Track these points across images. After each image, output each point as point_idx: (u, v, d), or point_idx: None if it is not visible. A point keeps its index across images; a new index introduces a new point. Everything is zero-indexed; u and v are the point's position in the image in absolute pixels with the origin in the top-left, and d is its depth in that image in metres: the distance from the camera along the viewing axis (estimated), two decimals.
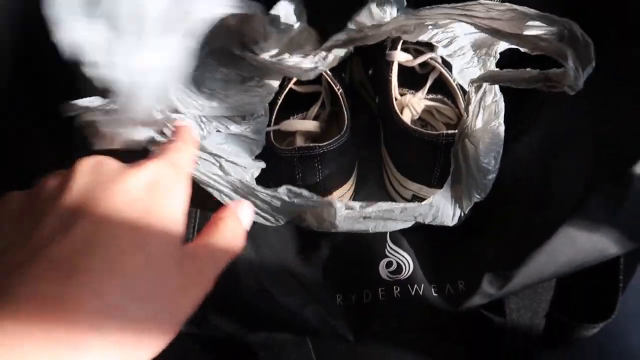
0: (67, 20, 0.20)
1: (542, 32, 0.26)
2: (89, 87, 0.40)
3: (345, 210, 0.34)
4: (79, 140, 0.39)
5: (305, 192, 0.34)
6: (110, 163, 0.22)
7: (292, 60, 0.34)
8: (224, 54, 0.36)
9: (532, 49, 0.26)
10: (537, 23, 0.26)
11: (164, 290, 0.20)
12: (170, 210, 0.22)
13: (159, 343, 0.20)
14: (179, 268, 0.21)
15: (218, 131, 0.34)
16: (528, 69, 0.27)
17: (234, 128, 0.35)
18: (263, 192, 0.34)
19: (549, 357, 0.42)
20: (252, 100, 0.36)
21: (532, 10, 0.26)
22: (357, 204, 0.34)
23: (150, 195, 0.21)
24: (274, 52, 0.35)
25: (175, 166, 0.23)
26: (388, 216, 0.35)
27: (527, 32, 0.26)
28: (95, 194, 0.20)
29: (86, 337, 0.18)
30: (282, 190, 0.34)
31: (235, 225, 0.25)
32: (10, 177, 0.43)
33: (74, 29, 0.20)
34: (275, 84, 0.37)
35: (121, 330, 0.18)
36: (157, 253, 0.20)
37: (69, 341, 0.17)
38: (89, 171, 0.21)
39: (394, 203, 0.34)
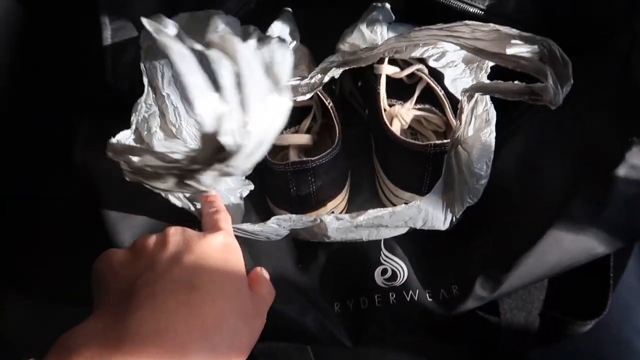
0: (205, 96, 0.22)
1: (523, 51, 0.27)
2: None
3: (337, 222, 0.35)
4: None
5: (294, 217, 0.35)
6: (191, 230, 0.29)
7: (290, 83, 0.35)
8: None
9: (514, 67, 0.27)
10: (518, 42, 0.27)
11: (244, 314, 0.27)
12: (240, 263, 0.29)
13: None
14: (249, 300, 0.28)
15: None
16: (516, 82, 0.28)
17: None
18: (255, 228, 0.35)
19: (543, 353, 0.43)
20: None
21: (514, 30, 0.27)
22: (346, 216, 0.35)
23: (225, 251, 0.28)
24: None
25: (231, 233, 0.31)
26: (379, 222, 0.37)
27: (509, 52, 0.27)
28: (191, 244, 0.27)
29: (211, 329, 0.24)
30: (272, 221, 0.35)
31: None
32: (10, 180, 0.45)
33: (212, 104, 0.22)
34: None
35: (225, 335, 0.25)
36: (238, 286, 0.28)
37: (197, 331, 0.24)
38: (179, 233, 0.28)
39: (382, 209, 0.35)
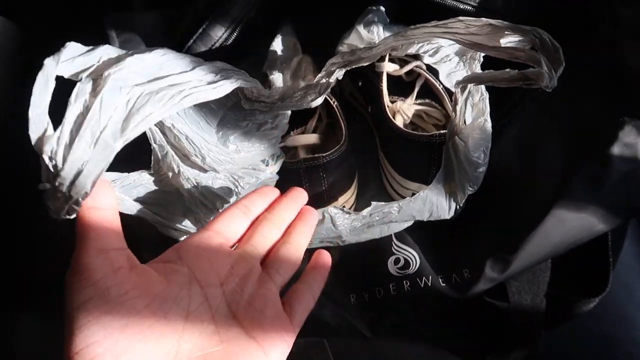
0: (40, 119, 0.24)
1: (517, 42, 0.29)
2: None
3: (343, 216, 0.37)
4: None
5: None
6: None
7: (298, 94, 0.36)
8: (238, 109, 0.38)
9: (510, 57, 0.29)
10: (511, 34, 0.29)
11: None
12: None
13: None
14: None
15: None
16: (508, 70, 0.30)
17: (262, 175, 0.38)
18: None
19: (552, 335, 0.44)
20: (270, 142, 0.39)
21: (506, 23, 0.29)
22: (353, 212, 0.37)
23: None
24: (280, 93, 0.38)
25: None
26: (388, 219, 0.38)
27: (503, 43, 0.29)
28: None
29: None
30: None
31: None
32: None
33: (44, 126, 0.24)
34: (286, 119, 0.39)
35: None
36: None
37: None
38: None
39: (388, 203, 0.37)
